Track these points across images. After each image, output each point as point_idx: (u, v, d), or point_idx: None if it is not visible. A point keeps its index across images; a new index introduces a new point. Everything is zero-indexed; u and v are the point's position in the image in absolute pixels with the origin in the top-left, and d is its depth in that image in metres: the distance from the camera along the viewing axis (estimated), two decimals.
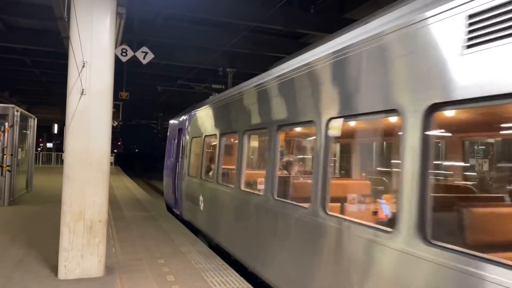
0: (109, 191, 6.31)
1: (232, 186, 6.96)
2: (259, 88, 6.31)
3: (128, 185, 21.38)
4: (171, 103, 30.87)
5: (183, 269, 6.36)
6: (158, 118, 40.40)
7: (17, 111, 12.67)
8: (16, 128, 12.53)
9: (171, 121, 14.31)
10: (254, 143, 8.62)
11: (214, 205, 8.07)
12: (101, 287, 5.42)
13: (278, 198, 5.35)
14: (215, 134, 8.27)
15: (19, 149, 13.30)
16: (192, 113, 10.75)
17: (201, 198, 8.82)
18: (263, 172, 5.85)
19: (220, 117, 8.39)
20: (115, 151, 53.68)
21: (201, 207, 8.76)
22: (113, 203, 13.44)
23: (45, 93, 31.79)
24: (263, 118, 6.14)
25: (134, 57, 12.33)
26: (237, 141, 7.01)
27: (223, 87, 20.22)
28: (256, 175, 6.97)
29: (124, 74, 18.78)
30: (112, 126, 6.47)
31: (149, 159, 75.72)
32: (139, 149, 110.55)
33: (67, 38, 6.17)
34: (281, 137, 5.68)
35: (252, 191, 6.46)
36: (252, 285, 5.75)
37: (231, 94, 7.83)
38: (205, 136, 9.11)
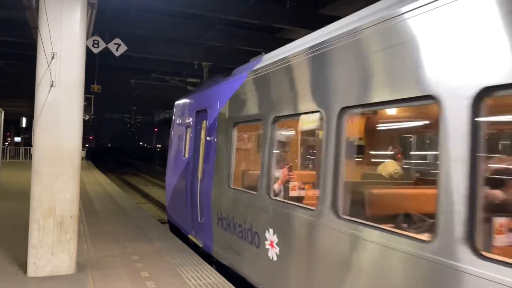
0: (81, 187, 6.16)
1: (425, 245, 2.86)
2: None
3: (101, 181, 20.97)
4: (145, 97, 30.39)
5: (157, 265, 6.28)
6: (132, 112, 39.71)
7: None
8: None
9: (181, 101, 9.60)
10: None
11: (321, 260, 3.98)
12: (73, 284, 5.30)
13: None
14: (319, 112, 4.09)
15: None
16: (233, 81, 6.34)
17: (269, 235, 4.78)
18: None
19: (341, 77, 3.92)
20: (87, 145, 52.59)
21: (271, 254, 4.76)
22: (85, 199, 13.15)
23: (13, 86, 30.67)
24: None
25: (107, 49, 12.08)
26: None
27: (198, 80, 20.08)
28: None
29: (96, 66, 18.33)
30: (84, 119, 6.30)
31: (122, 154, 74.80)
32: (111, 143, 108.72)
33: (36, 28, 5.96)
34: None
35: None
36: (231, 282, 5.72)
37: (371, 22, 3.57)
38: (277, 118, 4.93)
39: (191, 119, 8.23)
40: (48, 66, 5.55)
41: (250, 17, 12.44)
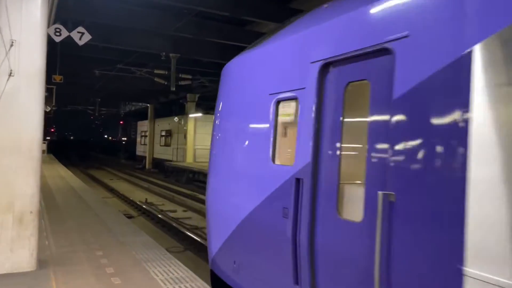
0: (42, 181, 5.93)
1: None
2: None
3: (63, 174, 20.31)
4: (110, 88, 29.59)
5: (123, 260, 6.15)
6: (96, 104, 38.59)
7: None
8: None
9: (247, 56, 5.07)
10: None
11: None
12: (33, 281, 5.10)
13: None
14: None
15: None
16: None
17: None
18: None
19: None
20: (48, 138, 50.80)
21: None
22: (46, 193, 12.70)
23: None
24: None
25: (69, 37, 11.60)
26: None
27: (166, 72, 19.74)
28: None
29: (58, 56, 17.63)
30: (45, 111, 6.05)
31: (86, 147, 72.66)
32: (75, 136, 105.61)
33: None
34: None
35: None
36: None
37: None
38: None
39: (299, 82, 3.81)
40: (7, 54, 5.28)
41: (221, 9, 12.28)
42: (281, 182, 3.88)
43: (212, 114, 33.36)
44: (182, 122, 31.87)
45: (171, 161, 31.93)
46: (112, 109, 50.69)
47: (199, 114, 30.50)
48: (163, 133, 36.24)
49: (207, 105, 34.49)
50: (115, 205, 15.93)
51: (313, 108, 3.58)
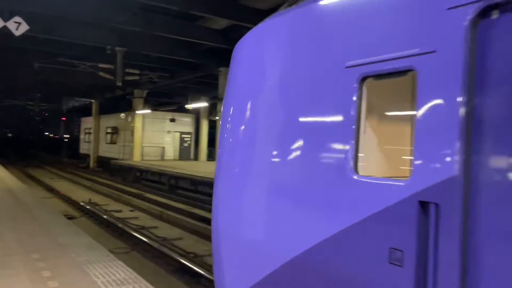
0: None
1: None
2: None
3: None
4: (51, 83, 28.06)
5: (61, 263, 5.81)
6: (36, 99, 36.50)
7: None
8: None
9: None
10: None
11: None
12: None
13: None
14: None
15: None
16: None
17: None
18: None
19: None
20: None
21: None
22: None
23: None
24: None
25: (5, 28, 10.86)
26: None
27: (112, 67, 19.02)
28: None
29: None
30: None
31: (25, 144, 68.60)
32: (12, 133, 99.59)
33: None
34: None
35: None
36: None
37: None
38: None
39: (420, 43, 2.17)
40: None
41: (169, 3, 12.00)
42: (382, 206, 2.33)
43: (161, 111, 32.50)
44: (129, 119, 30.90)
45: (117, 159, 30.87)
46: (54, 105, 48.20)
47: (148, 111, 29.72)
48: (109, 130, 34.96)
49: (156, 101, 33.68)
50: (56, 205, 15.14)
51: (458, 85, 2.02)
